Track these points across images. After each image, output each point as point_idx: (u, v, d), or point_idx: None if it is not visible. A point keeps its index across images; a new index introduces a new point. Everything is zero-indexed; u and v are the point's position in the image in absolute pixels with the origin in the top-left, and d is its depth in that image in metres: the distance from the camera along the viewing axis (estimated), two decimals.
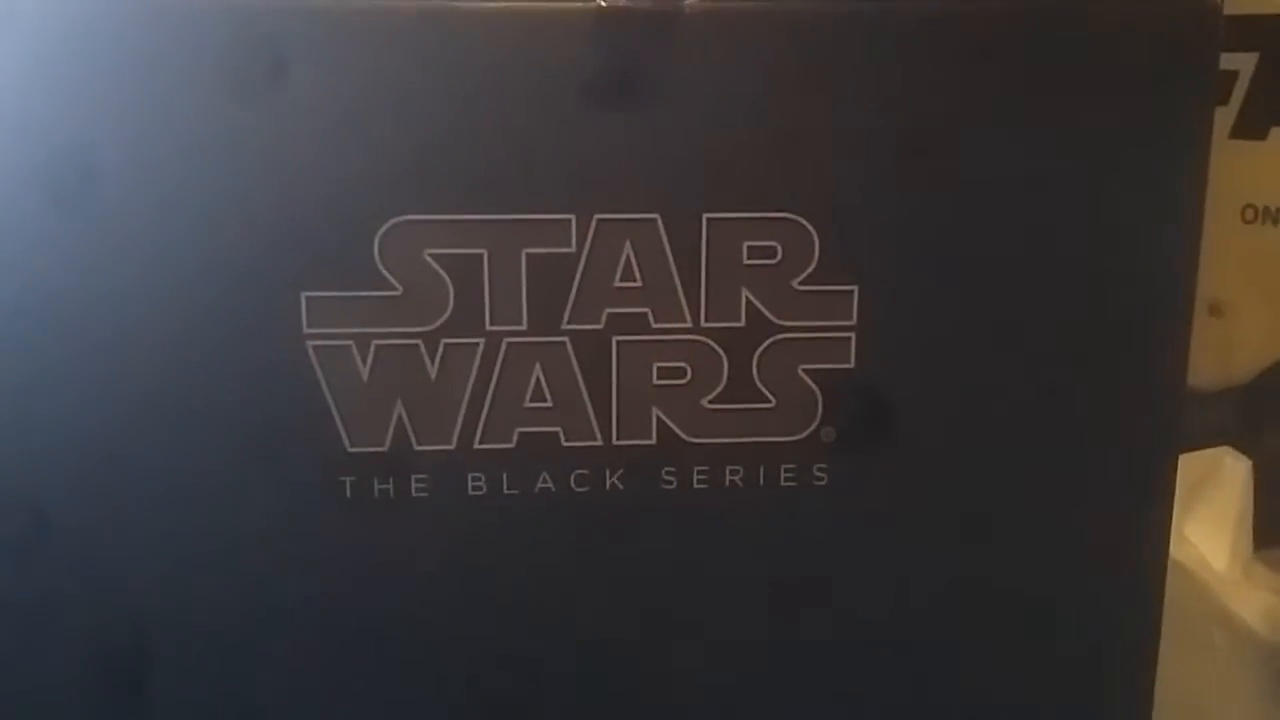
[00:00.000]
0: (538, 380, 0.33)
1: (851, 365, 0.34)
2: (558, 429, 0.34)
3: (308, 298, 0.32)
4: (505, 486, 0.34)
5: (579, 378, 0.34)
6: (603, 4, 0.31)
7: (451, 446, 0.34)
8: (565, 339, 0.33)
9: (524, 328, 0.33)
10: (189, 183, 0.32)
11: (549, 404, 0.34)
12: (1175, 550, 0.38)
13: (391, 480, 0.34)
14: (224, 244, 0.32)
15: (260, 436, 0.33)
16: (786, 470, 0.34)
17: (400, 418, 0.33)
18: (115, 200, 0.32)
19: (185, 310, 0.32)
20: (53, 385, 0.32)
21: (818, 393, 0.34)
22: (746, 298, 0.33)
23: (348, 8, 0.31)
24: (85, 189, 0.31)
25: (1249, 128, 0.57)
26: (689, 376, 0.34)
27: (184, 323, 0.32)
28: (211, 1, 0.31)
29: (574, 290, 0.33)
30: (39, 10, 0.31)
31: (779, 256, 0.33)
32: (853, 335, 0.34)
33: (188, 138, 0.31)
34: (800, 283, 0.33)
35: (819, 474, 0.35)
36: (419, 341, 0.33)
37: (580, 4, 0.31)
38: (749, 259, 0.33)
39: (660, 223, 0.33)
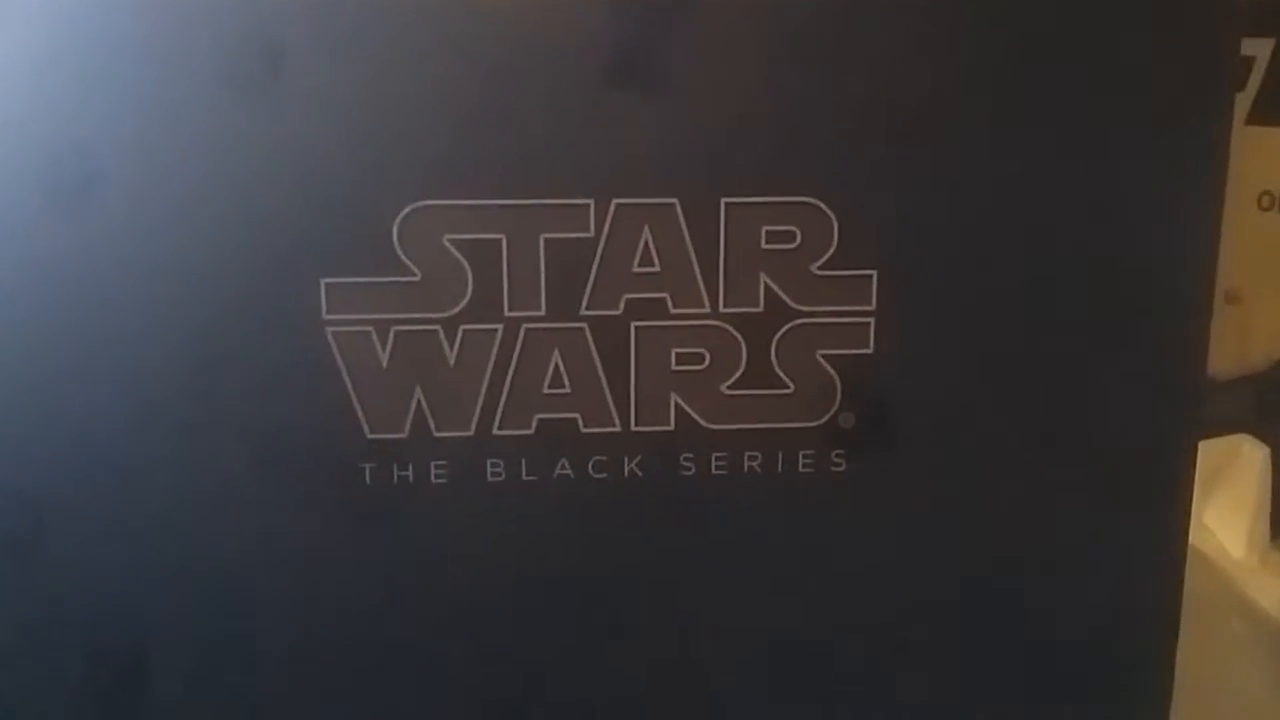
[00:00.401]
0: (556, 366, 0.33)
1: (870, 350, 0.34)
2: (576, 415, 0.34)
3: (327, 284, 0.32)
4: (524, 473, 0.34)
5: (597, 364, 0.34)
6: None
7: (470, 433, 0.34)
8: (584, 325, 0.33)
9: (543, 313, 0.33)
10: (206, 174, 0.32)
11: (567, 390, 0.34)
12: (1193, 537, 0.38)
13: (411, 467, 0.34)
14: (243, 233, 0.32)
15: (280, 423, 0.33)
16: (805, 456, 0.34)
17: (419, 404, 0.33)
18: (131, 193, 0.32)
19: (205, 299, 0.32)
20: (75, 374, 0.33)
21: (836, 378, 0.34)
22: (765, 283, 0.33)
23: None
24: (95, 181, 0.31)
25: (1265, 114, 0.57)
26: (707, 362, 0.34)
27: (203, 311, 0.32)
28: None
29: (592, 276, 0.33)
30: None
31: (798, 241, 0.33)
32: (872, 320, 0.34)
33: (203, 129, 0.31)
34: (819, 267, 0.33)
35: (837, 460, 0.34)
36: (438, 327, 0.33)
37: None
38: (768, 244, 0.33)
39: (679, 208, 0.32)
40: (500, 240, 0.32)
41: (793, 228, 0.33)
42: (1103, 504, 0.36)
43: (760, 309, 0.33)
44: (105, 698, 0.35)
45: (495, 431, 0.34)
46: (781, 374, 0.34)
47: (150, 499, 0.34)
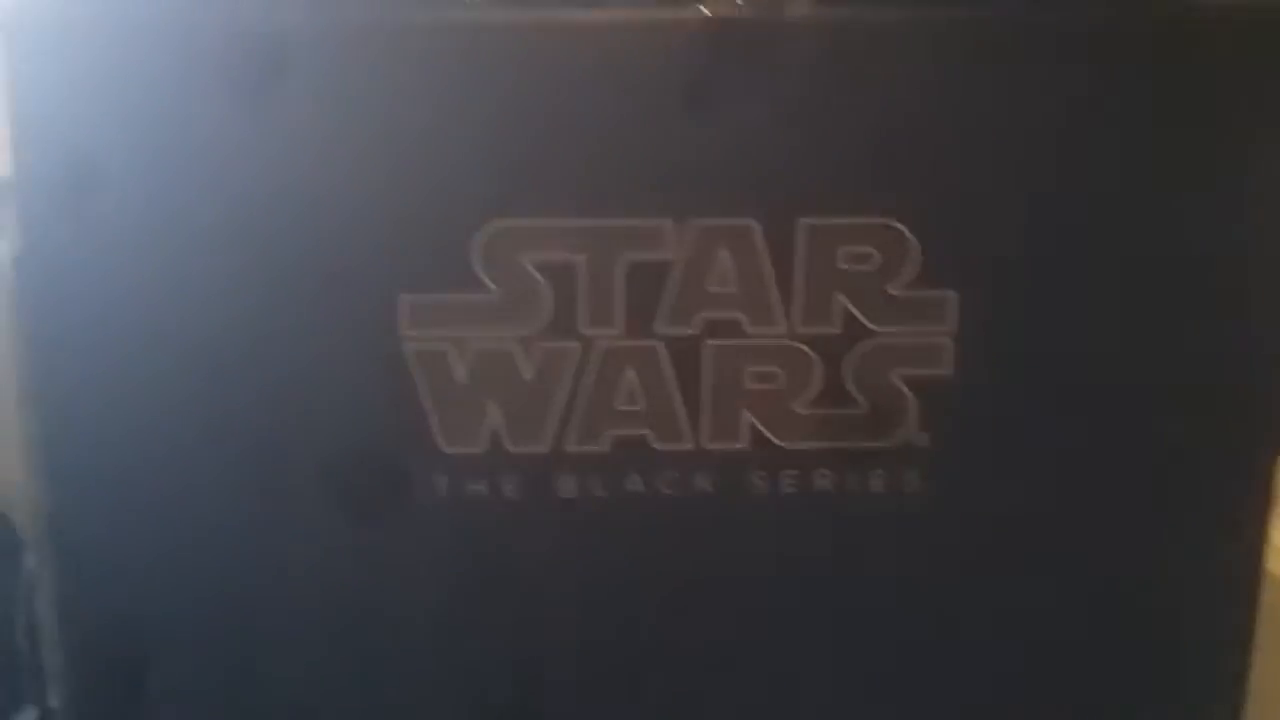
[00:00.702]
0: (631, 384, 0.34)
1: (947, 371, 0.34)
2: (649, 432, 0.34)
3: (406, 300, 0.33)
4: (596, 489, 0.34)
5: (671, 382, 0.34)
6: (707, 14, 0.31)
7: (544, 449, 0.34)
8: (659, 343, 0.33)
9: (618, 331, 0.33)
10: (288, 184, 0.32)
11: (641, 407, 0.34)
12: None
13: (485, 481, 0.34)
14: (323, 245, 0.32)
15: (355, 437, 0.34)
16: (878, 476, 0.34)
17: (495, 419, 0.34)
18: (204, 209, 0.32)
19: (283, 313, 0.33)
20: (147, 386, 0.33)
21: (912, 399, 0.34)
22: (841, 303, 0.33)
23: (453, 18, 0.31)
24: (179, 202, 0.32)
25: None
26: (781, 381, 0.34)
27: (281, 325, 0.33)
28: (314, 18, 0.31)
29: (669, 294, 0.33)
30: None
31: (875, 262, 0.33)
32: (950, 341, 0.33)
33: (288, 139, 0.32)
34: (897, 288, 0.33)
35: (911, 480, 0.34)
36: (515, 344, 0.33)
37: (685, 13, 0.31)
38: (845, 264, 0.33)
39: (756, 228, 0.32)
40: (578, 259, 0.33)
41: (870, 249, 0.33)
42: (1179, 524, 0.35)
43: (836, 329, 0.33)
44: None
45: (569, 448, 0.34)
46: (856, 394, 0.34)
47: (223, 511, 0.34)
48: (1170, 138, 0.33)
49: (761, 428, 0.34)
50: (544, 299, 0.33)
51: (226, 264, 0.33)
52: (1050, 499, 0.35)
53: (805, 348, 0.33)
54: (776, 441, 0.34)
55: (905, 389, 0.34)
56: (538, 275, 0.33)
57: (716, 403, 0.34)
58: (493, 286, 0.33)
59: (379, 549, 0.34)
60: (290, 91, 0.31)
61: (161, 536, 0.34)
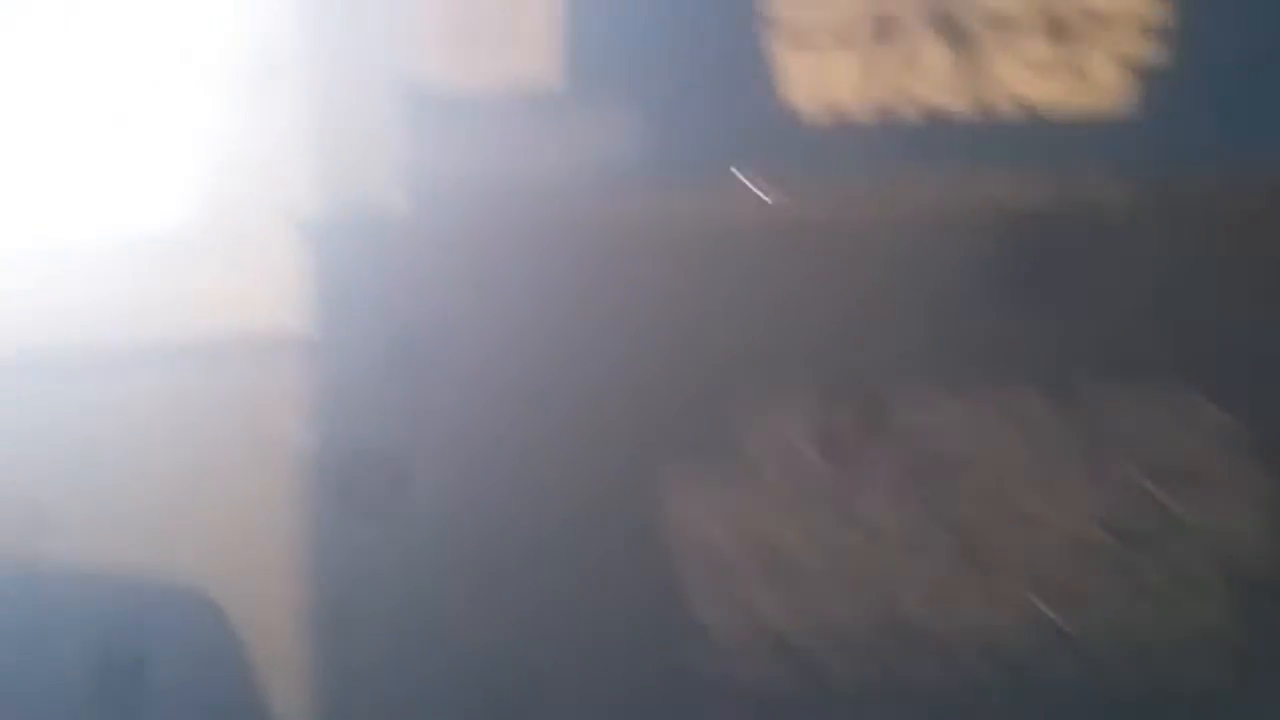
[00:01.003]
0: (910, 566, 0.32)
1: (1255, 553, 0.31)
2: (930, 617, 0.32)
3: (669, 470, 0.32)
4: (871, 677, 0.32)
5: (954, 565, 0.32)
6: (1010, 208, 0.30)
7: (816, 632, 0.32)
8: (940, 524, 0.32)
9: (895, 511, 0.32)
10: (553, 344, 0.32)
11: (922, 591, 0.32)
12: None
13: (752, 665, 0.33)
14: (588, 412, 0.32)
15: (612, 606, 0.33)
16: (1189, 673, 0.31)
17: (761, 599, 0.32)
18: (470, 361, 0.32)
19: (543, 474, 0.33)
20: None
21: (1226, 591, 0.31)
22: (1145, 486, 0.31)
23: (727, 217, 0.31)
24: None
25: None
26: (1076, 568, 0.31)
27: (542, 486, 0.33)
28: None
29: (952, 473, 0.31)
30: None
31: (1183, 442, 0.30)
32: (1259, 521, 0.31)
33: (558, 306, 0.32)
34: (1206, 471, 0.30)
35: (1227, 680, 0.31)
36: (782, 523, 0.32)
37: (976, 207, 0.30)
38: (1149, 444, 0.30)
39: (1048, 404, 0.31)
40: (848, 434, 0.31)
41: (1177, 429, 0.30)
42: None
43: (1137, 513, 0.31)
44: None
45: (842, 632, 0.32)
46: (1161, 584, 0.31)
47: (487, 674, 0.33)
48: None
49: (1054, 617, 0.32)
50: (814, 476, 0.32)
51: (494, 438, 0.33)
52: None
53: (1104, 532, 0.31)
54: (1069, 632, 0.32)
55: (1219, 582, 0.31)
56: (808, 451, 0.31)
57: (1003, 589, 0.32)
58: (760, 462, 0.32)
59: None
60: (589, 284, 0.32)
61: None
